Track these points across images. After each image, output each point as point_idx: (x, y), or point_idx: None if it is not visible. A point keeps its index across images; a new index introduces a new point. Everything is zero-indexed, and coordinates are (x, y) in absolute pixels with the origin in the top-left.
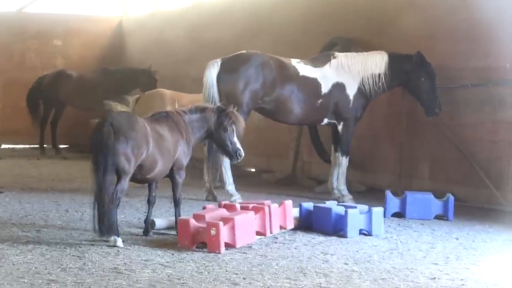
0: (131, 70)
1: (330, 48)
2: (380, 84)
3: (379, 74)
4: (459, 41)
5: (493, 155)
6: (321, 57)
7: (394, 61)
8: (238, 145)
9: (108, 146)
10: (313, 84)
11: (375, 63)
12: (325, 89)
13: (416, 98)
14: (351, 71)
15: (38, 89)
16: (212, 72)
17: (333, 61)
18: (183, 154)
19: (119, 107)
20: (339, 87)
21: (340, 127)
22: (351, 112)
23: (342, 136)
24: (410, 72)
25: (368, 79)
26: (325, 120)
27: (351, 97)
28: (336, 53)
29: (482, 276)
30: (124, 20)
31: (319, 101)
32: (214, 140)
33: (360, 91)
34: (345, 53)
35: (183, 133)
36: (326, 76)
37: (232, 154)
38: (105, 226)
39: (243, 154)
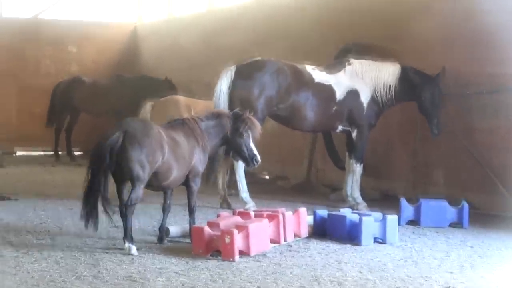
0: (148, 78)
1: (345, 54)
2: (390, 95)
3: (390, 85)
4: (474, 47)
5: (508, 162)
6: (336, 64)
7: (406, 74)
8: (255, 151)
9: (118, 153)
10: (328, 90)
11: (388, 73)
12: (339, 95)
13: (424, 116)
14: (364, 78)
15: (54, 96)
16: (223, 81)
17: (347, 67)
18: (199, 161)
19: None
20: (353, 94)
21: (354, 134)
22: (365, 119)
23: (357, 143)
24: (416, 88)
25: (380, 89)
26: (340, 127)
27: (365, 104)
28: (351, 60)
29: (497, 285)
30: (139, 26)
31: (334, 107)
32: (231, 146)
33: (373, 99)
34: (360, 60)
35: (199, 140)
36: (340, 82)
37: (248, 160)
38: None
39: (259, 160)
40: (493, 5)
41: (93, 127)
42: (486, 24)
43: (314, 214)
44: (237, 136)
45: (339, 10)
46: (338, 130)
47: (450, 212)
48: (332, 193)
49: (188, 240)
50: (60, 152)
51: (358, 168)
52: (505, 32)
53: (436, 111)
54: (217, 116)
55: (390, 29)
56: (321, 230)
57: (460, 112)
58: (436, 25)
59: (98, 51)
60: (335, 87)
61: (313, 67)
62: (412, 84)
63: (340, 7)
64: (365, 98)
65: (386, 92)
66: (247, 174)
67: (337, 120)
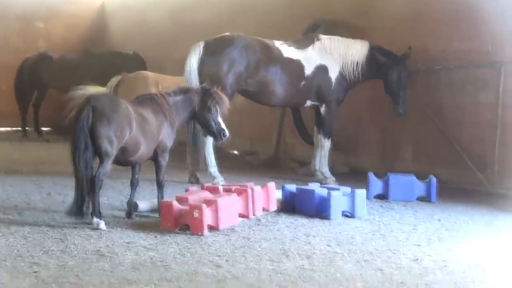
0: (117, 53)
1: (313, 30)
2: (357, 73)
3: (357, 63)
4: (442, 23)
5: (475, 137)
6: (305, 39)
7: (373, 53)
8: (223, 125)
9: (90, 129)
10: (297, 66)
11: (356, 50)
12: (308, 71)
13: (389, 95)
14: (332, 54)
15: (21, 72)
16: (193, 57)
17: (316, 43)
18: (167, 136)
19: (96, 89)
20: (322, 70)
21: (322, 109)
22: (333, 94)
23: (325, 119)
24: (382, 67)
25: (347, 65)
26: (308, 102)
27: (333, 80)
28: (320, 36)
29: (464, 257)
30: (106, 1)
31: (303, 83)
32: (199, 121)
33: (342, 75)
34: (329, 36)
35: (167, 115)
36: (309, 58)
37: (216, 134)
38: (76, 207)
39: (227, 134)
40: None
41: (60, 103)
42: (454, 0)
43: (283, 188)
44: (205, 111)
45: None
46: (306, 105)
47: (418, 186)
48: (301, 167)
49: (156, 215)
50: (27, 128)
51: (326, 143)
52: (472, 8)
53: (402, 92)
54: (185, 91)
55: (358, 5)
56: (290, 205)
57: (428, 87)
58: (404, 1)
59: (67, 26)
60: (303, 62)
61: (281, 42)
62: (379, 63)
63: None
64: (333, 73)
65: (353, 69)
66: (215, 149)
67: (305, 96)
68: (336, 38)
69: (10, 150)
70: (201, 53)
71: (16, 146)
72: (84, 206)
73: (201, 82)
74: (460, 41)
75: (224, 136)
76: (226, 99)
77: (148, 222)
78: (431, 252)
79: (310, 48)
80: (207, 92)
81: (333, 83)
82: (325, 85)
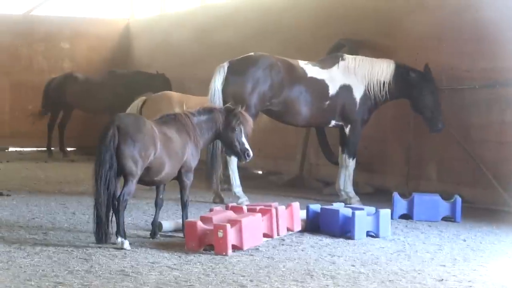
0: (142, 73)
1: (337, 49)
2: (384, 92)
3: (384, 82)
4: (466, 42)
5: (501, 156)
6: (329, 59)
7: (400, 71)
8: (247, 145)
9: (114, 149)
10: (321, 85)
11: (381, 70)
12: (332, 91)
13: (419, 113)
14: (357, 74)
15: (47, 92)
16: (217, 79)
17: (341, 63)
18: (191, 156)
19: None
20: (346, 89)
21: (347, 129)
22: (358, 114)
23: (349, 138)
24: (414, 86)
25: (373, 85)
26: (333, 122)
27: (358, 100)
28: (345, 55)
29: (490, 278)
30: (131, 22)
31: (327, 102)
32: (223, 141)
33: (366, 95)
34: (353, 56)
35: (191, 135)
36: (333, 78)
37: (240, 154)
38: (102, 231)
39: (251, 154)
40: (483, 1)
41: (86, 123)
42: (478, 19)
43: (307, 208)
44: (229, 131)
45: (332, 6)
46: (331, 125)
47: (443, 206)
48: (325, 187)
49: (181, 235)
50: (53, 148)
51: (351, 163)
52: (496, 27)
53: (438, 107)
54: (209, 111)
55: (383, 25)
56: (314, 225)
57: (453, 107)
58: (428, 20)
59: (91, 47)
60: (328, 82)
61: (306, 62)
62: (408, 82)
63: (333, 3)
64: (358, 93)
65: (379, 88)
66: (240, 169)
67: (330, 115)
68: (361, 57)
69: (36, 170)
70: (225, 73)
71: (41, 166)
72: (103, 227)
73: (225, 102)
74: (485, 60)
75: (248, 156)
76: (250, 119)
77: (173, 242)
78: (457, 273)
79: (334, 68)
80: (231, 112)
81: (358, 103)
82: (350, 105)
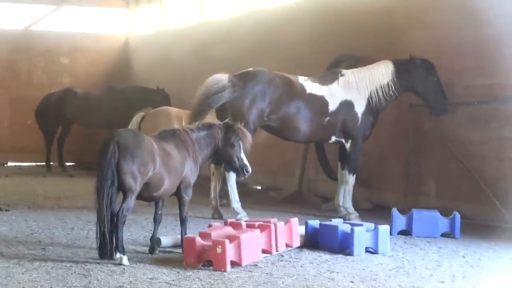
0: (140, 88)
1: (336, 65)
2: (391, 92)
3: (388, 83)
4: (465, 58)
5: (500, 173)
6: (328, 75)
7: (400, 67)
8: (246, 161)
9: (114, 165)
10: (320, 102)
11: (381, 73)
12: (332, 107)
13: (425, 100)
14: (358, 88)
15: (45, 107)
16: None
17: (341, 78)
18: (190, 172)
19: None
20: (347, 105)
21: (348, 145)
22: (359, 130)
23: (350, 154)
24: (415, 74)
25: (377, 91)
26: (333, 138)
27: (360, 115)
28: (344, 71)
29: None
30: (131, 37)
31: (327, 119)
32: (221, 157)
33: (368, 109)
34: (351, 70)
35: (190, 151)
36: (333, 94)
37: (239, 170)
38: (106, 248)
39: (250, 170)
40: (483, 17)
41: (85, 137)
42: (477, 35)
43: (306, 224)
44: (228, 147)
45: (331, 22)
46: (331, 141)
47: (442, 222)
48: (324, 203)
49: (179, 251)
50: (51, 163)
51: (351, 179)
52: (496, 43)
53: (440, 86)
54: (208, 127)
55: (382, 41)
56: (313, 241)
57: (452, 123)
58: (428, 36)
59: (90, 62)
60: (327, 98)
61: (305, 78)
62: (410, 74)
63: (332, 19)
64: (359, 108)
65: (384, 91)
66: (238, 184)
67: (330, 132)
68: (357, 69)
69: (34, 184)
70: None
71: (40, 181)
72: (107, 243)
73: (223, 117)
74: (484, 76)
75: (247, 171)
76: (249, 135)
77: (171, 258)
78: None
79: (334, 84)
80: (230, 128)
81: (360, 119)
82: (351, 121)
